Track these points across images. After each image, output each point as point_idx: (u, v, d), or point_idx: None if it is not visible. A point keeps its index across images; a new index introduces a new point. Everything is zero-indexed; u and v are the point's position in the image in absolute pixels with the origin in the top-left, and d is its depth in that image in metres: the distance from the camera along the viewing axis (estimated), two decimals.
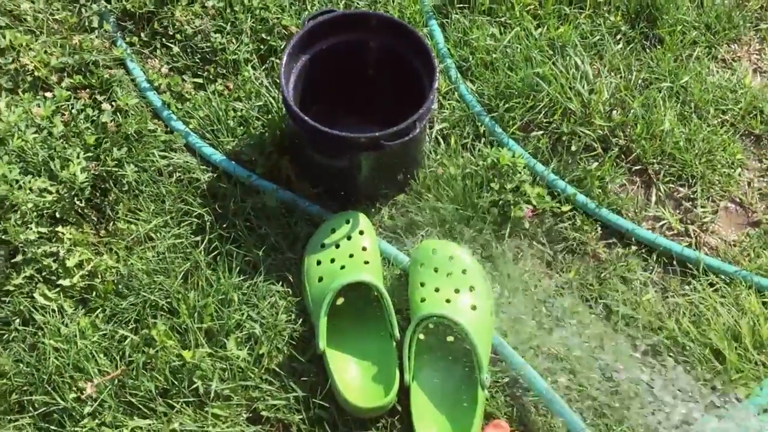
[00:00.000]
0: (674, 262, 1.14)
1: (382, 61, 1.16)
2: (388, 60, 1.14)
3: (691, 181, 1.20)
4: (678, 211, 1.19)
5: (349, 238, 1.09)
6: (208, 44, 1.28)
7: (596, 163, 1.20)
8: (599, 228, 1.16)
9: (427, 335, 1.04)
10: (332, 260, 1.08)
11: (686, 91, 1.26)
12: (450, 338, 1.05)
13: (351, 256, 1.08)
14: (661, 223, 1.18)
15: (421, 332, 1.02)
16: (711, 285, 1.11)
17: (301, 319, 1.07)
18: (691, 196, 1.20)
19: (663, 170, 1.21)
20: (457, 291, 1.04)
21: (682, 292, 1.11)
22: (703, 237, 1.17)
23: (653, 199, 1.20)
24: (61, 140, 1.14)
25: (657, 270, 1.14)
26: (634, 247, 1.15)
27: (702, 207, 1.19)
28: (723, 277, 1.12)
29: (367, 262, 1.07)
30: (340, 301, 1.06)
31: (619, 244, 1.16)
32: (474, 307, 1.03)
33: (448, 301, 1.02)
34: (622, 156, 1.22)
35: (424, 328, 1.02)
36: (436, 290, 1.04)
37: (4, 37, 1.23)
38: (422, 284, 1.05)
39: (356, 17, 1.11)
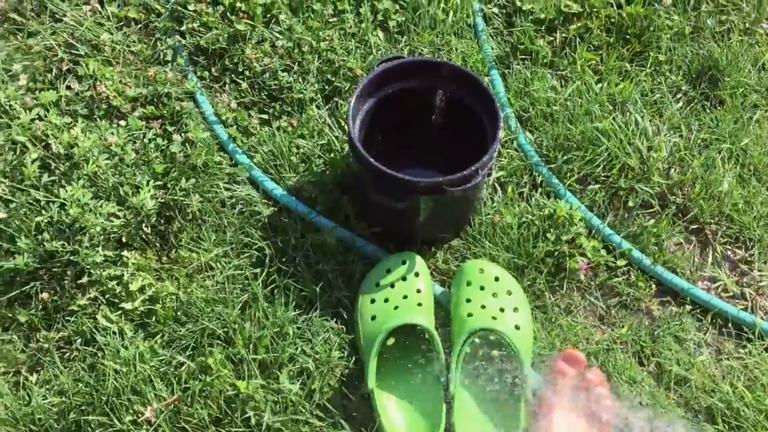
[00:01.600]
0: (729, 325, 1.13)
1: (448, 108, 1.18)
2: (454, 107, 1.17)
3: (748, 243, 1.20)
4: (734, 273, 1.19)
5: (404, 279, 1.11)
6: (276, 82, 1.32)
7: (653, 220, 1.20)
8: (654, 285, 1.16)
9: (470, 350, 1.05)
10: (386, 300, 1.09)
11: (746, 154, 1.26)
12: (494, 352, 1.06)
13: (405, 297, 1.09)
14: (716, 285, 1.17)
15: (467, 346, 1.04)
16: (766, 350, 1.10)
17: (353, 357, 1.08)
18: (749, 258, 1.19)
19: (720, 231, 1.21)
20: (502, 310, 1.06)
21: (737, 355, 1.10)
22: (759, 301, 1.16)
23: (709, 259, 1.19)
24: (132, 167, 1.18)
25: (711, 331, 1.13)
26: (688, 307, 1.14)
27: (759, 270, 1.18)
28: None
29: (420, 304, 1.09)
30: (391, 341, 1.07)
31: (673, 303, 1.16)
32: (518, 327, 1.06)
33: (494, 317, 1.04)
34: (679, 214, 1.22)
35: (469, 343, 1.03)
36: (483, 307, 1.07)
37: (85, 66, 1.28)
38: (468, 300, 1.08)
39: (427, 65, 1.14)
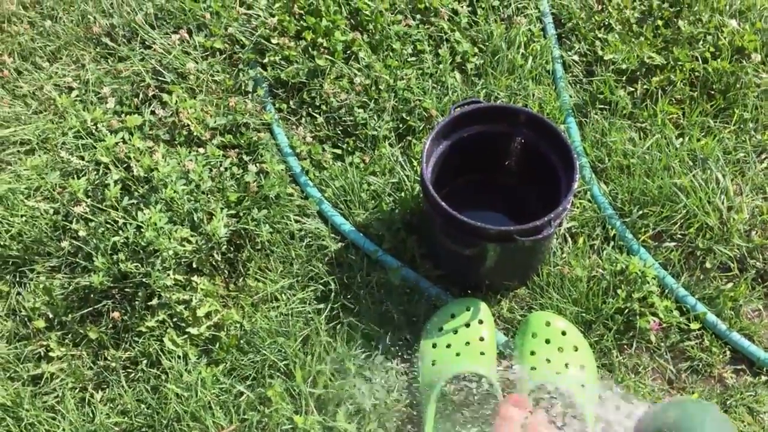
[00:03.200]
0: None
1: (523, 155, 1.17)
2: (529, 155, 1.16)
3: None
4: None
5: (467, 325, 1.09)
6: (351, 118, 1.33)
7: (730, 284, 1.16)
8: (728, 352, 1.12)
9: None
10: (448, 346, 1.08)
11: None
12: (559, 409, 1.03)
13: (467, 344, 1.08)
14: None
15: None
16: None
17: (410, 400, 1.07)
18: None
19: None
20: (567, 365, 1.03)
21: None
22: None
23: None
24: (207, 195, 1.21)
25: None
26: (764, 378, 1.09)
27: None
28: None
29: (483, 353, 1.07)
30: (450, 388, 1.05)
31: (748, 372, 1.11)
32: (583, 386, 1.02)
33: (558, 373, 1.02)
34: (759, 279, 1.17)
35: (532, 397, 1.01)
36: (548, 360, 1.04)
37: (169, 93, 1.33)
38: (532, 353, 1.05)
39: (504, 111, 1.14)
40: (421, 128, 1.33)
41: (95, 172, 1.25)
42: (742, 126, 1.30)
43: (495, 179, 1.23)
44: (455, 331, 1.09)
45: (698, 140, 1.28)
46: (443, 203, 1.05)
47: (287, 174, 1.29)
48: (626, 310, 1.12)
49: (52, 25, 1.49)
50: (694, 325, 1.13)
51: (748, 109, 1.31)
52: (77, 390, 1.10)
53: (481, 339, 1.08)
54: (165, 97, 1.33)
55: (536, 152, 1.14)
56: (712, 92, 1.33)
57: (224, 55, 1.42)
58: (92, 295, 1.16)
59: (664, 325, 1.12)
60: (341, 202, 1.26)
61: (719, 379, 1.11)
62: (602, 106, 1.34)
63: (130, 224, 1.16)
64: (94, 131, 1.28)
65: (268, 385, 1.06)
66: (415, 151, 1.30)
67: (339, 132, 1.34)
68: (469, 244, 1.09)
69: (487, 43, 1.40)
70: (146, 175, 1.22)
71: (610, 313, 1.12)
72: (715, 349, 1.11)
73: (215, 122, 1.29)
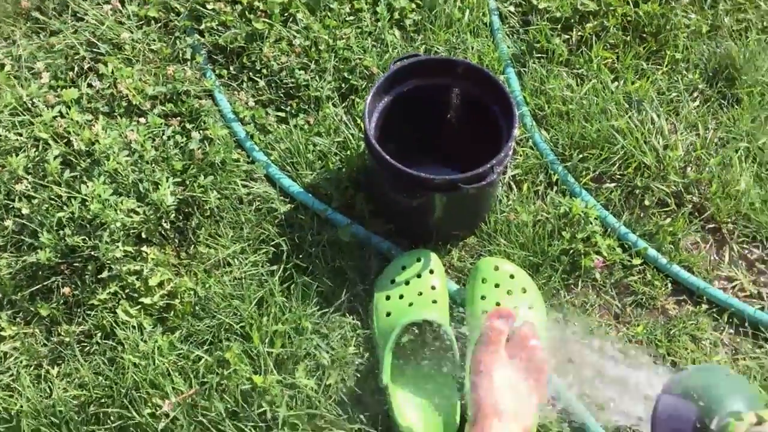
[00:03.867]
0: (746, 324, 1.13)
1: (463, 106, 1.19)
2: (469, 104, 1.17)
3: (765, 243, 1.20)
4: (751, 273, 1.18)
5: (419, 276, 1.11)
6: (293, 80, 1.33)
7: (669, 219, 1.20)
8: (669, 284, 1.16)
9: None
10: (401, 297, 1.10)
11: (763, 153, 1.25)
12: None
13: (420, 294, 1.10)
14: (733, 284, 1.17)
15: None
16: None
17: (368, 353, 1.09)
18: (766, 258, 1.19)
19: (737, 230, 1.20)
20: (516, 308, 1.06)
21: (754, 355, 1.10)
22: None
23: (726, 258, 1.19)
24: (151, 164, 1.20)
25: (728, 331, 1.13)
26: (704, 306, 1.14)
27: None
28: None
29: (435, 301, 1.09)
30: (406, 337, 1.08)
31: (689, 302, 1.15)
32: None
33: None
34: (696, 213, 1.22)
35: None
36: (497, 304, 1.07)
37: (105, 64, 1.30)
38: (483, 297, 1.08)
39: (443, 63, 1.15)
40: (363, 87, 1.33)
41: (35, 149, 1.23)
42: (674, 66, 1.34)
43: (439, 133, 1.24)
44: (407, 282, 1.11)
45: (633, 83, 1.31)
46: (387, 156, 1.06)
47: (232, 139, 1.29)
48: (571, 251, 1.16)
49: None
50: (636, 261, 1.17)
51: (679, 49, 1.35)
52: (32, 367, 1.09)
53: (433, 288, 1.10)
54: (101, 68, 1.30)
55: (477, 103, 1.16)
56: (644, 35, 1.36)
57: (159, 24, 1.40)
58: (41, 272, 1.14)
59: (608, 262, 1.16)
60: (288, 165, 1.26)
61: (662, 311, 1.15)
62: (539, 55, 1.36)
63: (75, 199, 1.15)
64: (30, 107, 1.25)
65: (226, 348, 1.07)
66: (359, 110, 1.30)
67: (281, 95, 1.34)
68: (415, 195, 1.10)
69: None
70: (87, 149, 1.20)
71: (555, 254, 1.16)
72: (657, 282, 1.16)
73: (154, 90, 1.28)
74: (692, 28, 1.36)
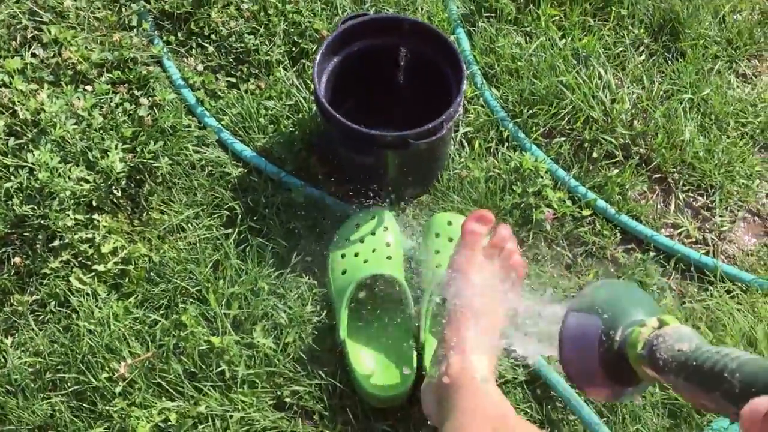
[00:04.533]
0: (692, 269, 1.16)
1: (412, 65, 1.19)
2: (418, 64, 1.18)
3: (710, 190, 1.23)
4: (696, 220, 1.22)
5: (373, 233, 1.12)
6: (242, 45, 1.32)
7: (617, 171, 1.23)
8: (618, 233, 1.19)
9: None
10: (356, 254, 1.11)
11: (707, 104, 1.28)
12: None
13: (374, 250, 1.11)
14: (679, 231, 1.20)
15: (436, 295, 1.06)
16: (728, 292, 1.13)
17: (325, 311, 1.10)
18: (710, 205, 1.22)
19: (682, 179, 1.23)
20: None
21: (699, 298, 1.14)
22: (720, 245, 1.19)
23: (672, 207, 1.22)
24: (100, 132, 1.19)
25: (675, 276, 1.16)
26: (652, 253, 1.17)
27: (720, 216, 1.21)
28: (739, 284, 1.14)
29: (389, 257, 1.11)
30: (362, 294, 1.09)
31: (637, 250, 1.18)
32: None
33: None
34: (643, 164, 1.24)
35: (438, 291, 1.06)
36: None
37: (49, 32, 1.28)
38: (437, 252, 1.10)
39: (389, 21, 1.15)
40: (313, 50, 1.33)
41: None
42: (620, 22, 1.36)
43: (392, 94, 1.25)
44: (362, 240, 1.12)
45: (580, 39, 1.33)
46: (338, 115, 1.06)
47: (182, 105, 1.28)
48: (522, 205, 1.18)
49: None
50: (586, 212, 1.19)
51: (625, 5, 1.36)
52: None
53: (387, 244, 1.11)
54: (45, 37, 1.28)
55: (426, 61, 1.16)
56: None
57: None
58: None
59: (558, 214, 1.19)
60: (240, 129, 1.26)
61: (612, 259, 1.18)
62: (488, 14, 1.37)
63: (22, 168, 1.13)
64: None
65: (182, 311, 1.07)
66: (310, 74, 1.30)
67: (231, 60, 1.33)
68: (368, 153, 1.11)
69: None
70: (33, 118, 1.18)
71: (508, 209, 1.18)
72: (606, 232, 1.19)
73: (100, 57, 1.26)
74: None
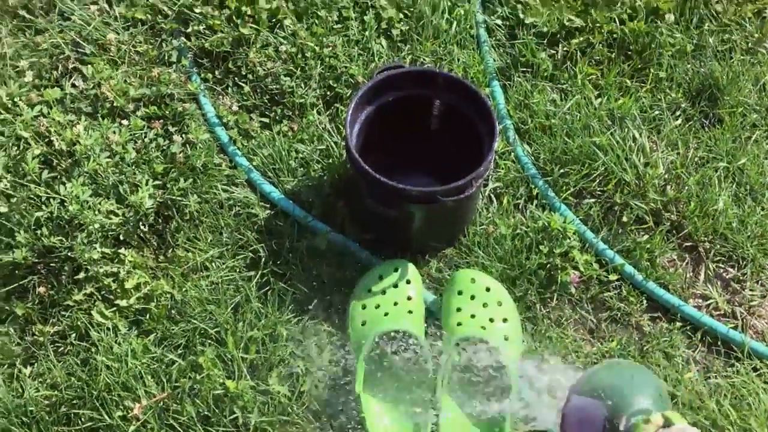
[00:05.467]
0: (719, 343, 1.13)
1: (445, 118, 1.19)
2: (451, 117, 1.18)
3: (741, 262, 1.20)
4: (726, 292, 1.19)
5: (395, 286, 1.12)
6: (278, 86, 1.33)
7: (646, 236, 1.21)
8: (645, 301, 1.17)
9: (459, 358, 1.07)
10: (377, 306, 1.10)
11: (742, 173, 1.26)
12: (483, 362, 1.07)
13: (395, 304, 1.10)
14: (708, 302, 1.18)
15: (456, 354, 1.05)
16: (755, 370, 1.11)
17: (344, 360, 1.09)
18: (741, 278, 1.19)
19: (714, 249, 1.21)
20: (491, 320, 1.07)
21: (725, 373, 1.11)
22: (749, 320, 1.16)
23: (702, 277, 1.20)
24: (132, 166, 1.20)
25: (701, 349, 1.14)
26: (678, 324, 1.15)
27: (751, 290, 1.18)
28: (767, 362, 1.11)
29: (410, 311, 1.10)
30: (381, 347, 1.08)
31: (663, 319, 1.16)
32: (506, 338, 1.07)
33: (483, 327, 1.05)
34: (673, 231, 1.22)
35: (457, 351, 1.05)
36: (472, 316, 1.08)
37: (90, 65, 1.30)
38: (459, 309, 1.09)
39: (424, 74, 1.15)
40: (348, 95, 1.33)
41: (15, 148, 1.23)
42: (657, 84, 1.35)
43: (425, 143, 1.25)
44: (383, 292, 1.11)
45: (616, 100, 1.32)
46: (366, 166, 1.06)
47: (215, 144, 1.29)
48: (548, 265, 1.16)
49: None
50: (613, 277, 1.17)
51: (663, 68, 1.35)
52: (5, 366, 1.09)
53: (409, 298, 1.11)
54: (85, 69, 1.30)
55: (458, 114, 1.16)
56: (630, 53, 1.37)
57: (146, 26, 1.40)
58: (17, 271, 1.14)
59: (584, 277, 1.17)
60: (270, 171, 1.26)
61: (637, 327, 1.16)
62: (525, 69, 1.37)
63: (54, 199, 1.15)
64: (10, 107, 1.25)
65: (200, 352, 1.07)
66: (343, 119, 1.31)
67: (266, 101, 1.34)
68: (394, 206, 1.11)
69: (412, 9, 1.41)
70: (69, 149, 1.20)
71: (533, 268, 1.16)
72: (632, 298, 1.16)
73: (137, 92, 1.27)
74: (677, 47, 1.37)
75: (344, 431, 1.04)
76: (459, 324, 1.07)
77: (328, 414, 1.05)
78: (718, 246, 1.21)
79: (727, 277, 1.20)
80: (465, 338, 1.05)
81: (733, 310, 1.17)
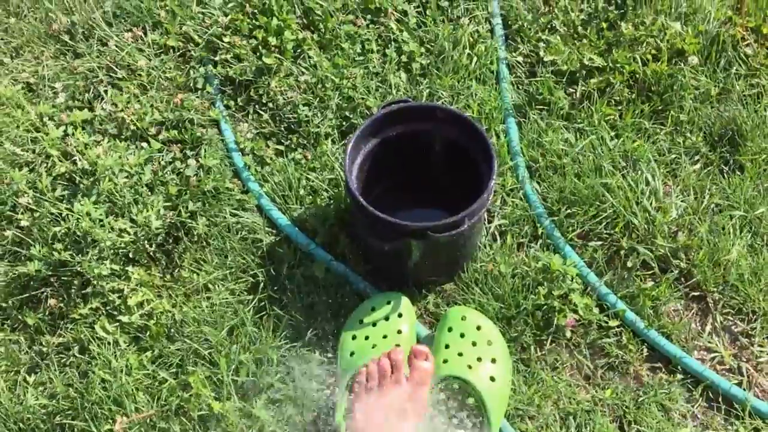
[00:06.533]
0: (720, 399, 1.09)
1: (447, 151, 1.20)
2: (453, 152, 1.18)
3: (751, 316, 1.15)
4: (733, 346, 1.14)
5: (386, 318, 1.12)
6: (295, 115, 1.37)
7: (652, 283, 1.17)
8: (645, 350, 1.14)
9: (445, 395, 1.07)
10: (366, 338, 1.11)
11: (760, 223, 1.22)
12: (469, 402, 1.07)
13: (384, 336, 1.10)
14: (712, 356, 1.13)
15: (440, 391, 1.05)
16: (755, 430, 1.05)
17: (330, 389, 1.10)
18: (750, 332, 1.15)
19: (723, 300, 1.17)
20: (479, 359, 1.06)
21: (723, 431, 1.06)
22: (756, 377, 1.11)
23: (708, 328, 1.15)
24: (146, 188, 1.25)
25: (701, 404, 1.09)
26: (679, 376, 1.11)
27: (760, 346, 1.13)
28: None
29: (398, 346, 1.10)
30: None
31: (664, 370, 1.12)
32: (493, 379, 1.05)
33: (469, 366, 1.04)
34: (681, 279, 1.18)
35: (443, 388, 1.05)
36: (460, 354, 1.07)
37: (120, 90, 1.37)
38: (447, 346, 1.09)
39: (424, 109, 1.16)
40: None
41: (44, 165, 1.30)
42: (677, 128, 1.32)
43: (428, 174, 1.25)
44: (374, 324, 1.12)
45: (633, 141, 1.30)
46: (361, 198, 1.08)
47: (230, 169, 1.33)
48: (545, 307, 1.15)
49: (16, 22, 1.54)
50: (613, 323, 1.14)
51: (685, 111, 1.32)
52: (11, 373, 1.14)
53: (399, 332, 1.11)
54: (111, 93, 1.37)
55: (460, 150, 1.16)
56: (650, 94, 1.35)
57: (178, 53, 1.46)
58: (32, 283, 1.20)
59: (583, 321, 1.14)
60: (279, 197, 1.29)
61: (635, 376, 1.12)
62: (541, 107, 1.36)
63: (71, 215, 1.21)
64: (40, 126, 1.32)
65: (191, 372, 1.10)
66: (343, 148, 1.33)
67: (283, 129, 1.37)
68: (388, 239, 1.11)
69: (433, 44, 1.43)
70: (92, 168, 1.26)
71: (530, 309, 1.15)
72: (632, 346, 1.13)
73: (153, 117, 1.33)
74: (701, 90, 1.34)
75: None
76: (445, 361, 1.07)
77: None
78: (728, 297, 1.17)
79: (736, 330, 1.15)
80: (446, 377, 1.04)
81: (739, 366, 1.12)
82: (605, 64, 1.37)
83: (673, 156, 1.29)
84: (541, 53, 1.40)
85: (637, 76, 1.35)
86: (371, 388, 1.03)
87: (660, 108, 1.34)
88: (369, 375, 1.04)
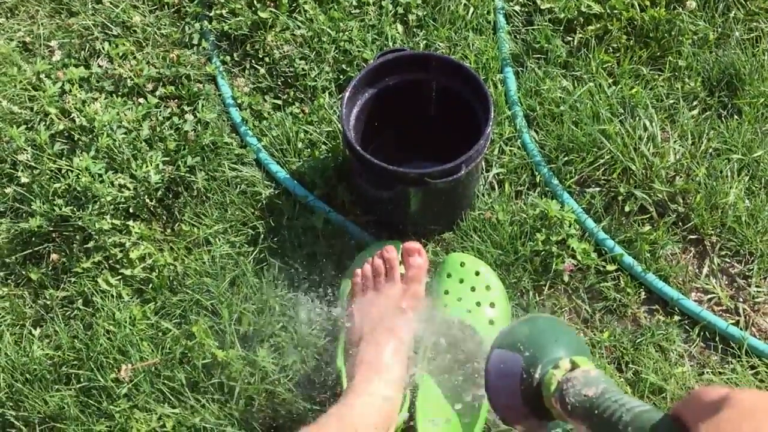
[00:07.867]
0: (716, 339, 1.10)
1: (445, 100, 1.20)
2: (450, 99, 1.18)
3: (748, 257, 1.16)
4: (730, 288, 1.15)
5: None
6: (292, 69, 1.36)
7: (650, 227, 1.18)
8: (643, 293, 1.15)
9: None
10: None
11: (758, 166, 1.22)
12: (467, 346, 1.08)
13: None
14: (709, 297, 1.14)
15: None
16: (752, 368, 1.07)
17: (331, 337, 1.12)
18: (747, 273, 1.15)
19: (720, 243, 1.17)
20: (478, 304, 1.07)
21: (720, 370, 1.08)
22: (753, 317, 1.12)
23: (705, 270, 1.16)
24: (145, 143, 1.25)
25: (698, 344, 1.11)
26: (677, 317, 1.12)
27: (757, 286, 1.14)
28: (766, 360, 1.07)
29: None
30: None
31: (661, 312, 1.13)
32: (492, 322, 1.07)
33: (469, 311, 1.06)
34: (679, 223, 1.19)
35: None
36: (459, 299, 1.08)
37: (116, 46, 1.37)
38: (446, 292, 1.10)
39: (419, 58, 1.16)
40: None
41: (43, 123, 1.30)
42: (676, 73, 1.31)
43: (427, 124, 1.25)
44: None
45: (630, 88, 1.29)
46: (359, 148, 1.08)
47: (228, 124, 1.33)
48: (543, 253, 1.15)
49: None
50: (611, 267, 1.15)
51: (683, 56, 1.31)
52: (17, 327, 1.16)
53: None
54: (108, 49, 1.37)
55: (457, 98, 1.16)
56: (648, 40, 1.34)
57: (172, 9, 1.45)
58: (34, 239, 1.21)
59: (581, 266, 1.15)
60: (277, 151, 1.30)
61: (633, 319, 1.14)
62: (538, 56, 1.35)
63: (71, 171, 1.21)
64: (38, 84, 1.32)
65: (194, 322, 1.11)
66: (340, 98, 1.32)
67: (280, 83, 1.37)
68: (385, 187, 1.12)
69: None
70: (90, 125, 1.27)
71: (528, 255, 1.16)
72: (630, 290, 1.14)
73: (149, 73, 1.33)
74: (699, 35, 1.33)
75: (327, 404, 1.06)
76: (445, 306, 1.08)
77: (311, 386, 1.07)
78: (725, 240, 1.17)
79: (733, 272, 1.16)
80: (448, 320, 1.05)
81: (736, 306, 1.13)
82: (603, 10, 1.35)
83: (671, 101, 1.29)
84: (539, 1, 1.39)
85: (635, 22, 1.34)
86: (366, 288, 1.06)
87: (658, 54, 1.33)
88: (363, 276, 1.07)
